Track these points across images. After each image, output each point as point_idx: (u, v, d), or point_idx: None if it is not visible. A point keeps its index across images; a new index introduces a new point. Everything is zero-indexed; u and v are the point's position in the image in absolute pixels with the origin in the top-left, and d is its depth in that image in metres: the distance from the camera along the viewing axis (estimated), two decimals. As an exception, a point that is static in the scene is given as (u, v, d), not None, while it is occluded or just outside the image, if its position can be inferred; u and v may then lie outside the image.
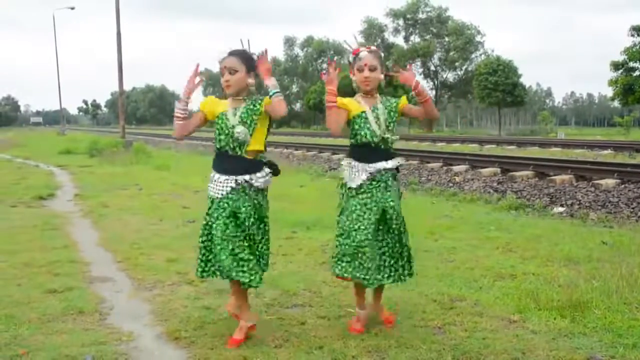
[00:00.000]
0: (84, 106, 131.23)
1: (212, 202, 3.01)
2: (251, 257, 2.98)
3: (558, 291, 3.72)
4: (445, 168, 11.92)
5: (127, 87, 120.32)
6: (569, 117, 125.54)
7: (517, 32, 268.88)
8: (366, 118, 3.07)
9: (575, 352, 2.84)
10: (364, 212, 3.04)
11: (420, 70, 56.06)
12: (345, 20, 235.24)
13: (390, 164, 3.09)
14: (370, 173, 3.06)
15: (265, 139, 3.09)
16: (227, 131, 2.97)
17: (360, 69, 3.07)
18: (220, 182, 2.98)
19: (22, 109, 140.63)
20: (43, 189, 9.79)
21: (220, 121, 3.00)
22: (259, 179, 3.01)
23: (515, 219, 7.04)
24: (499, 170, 10.93)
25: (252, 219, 3.01)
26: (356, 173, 3.08)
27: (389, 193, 3.06)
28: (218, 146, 3.03)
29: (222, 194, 2.97)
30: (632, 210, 7.38)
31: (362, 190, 3.07)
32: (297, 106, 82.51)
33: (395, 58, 53.32)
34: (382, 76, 3.10)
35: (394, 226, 3.08)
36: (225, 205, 2.96)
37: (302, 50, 77.05)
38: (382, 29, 56.43)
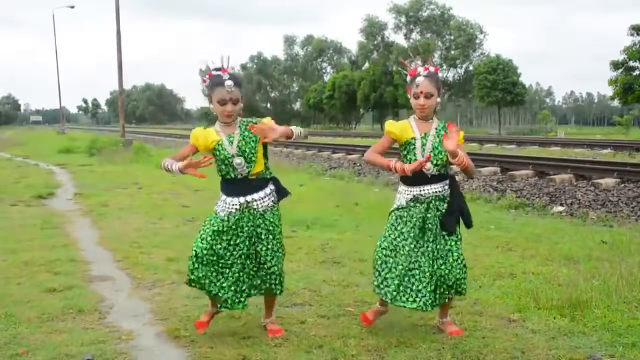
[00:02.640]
0: (84, 105, 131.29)
1: (215, 216, 3.04)
2: (229, 277, 3.01)
3: (558, 290, 3.71)
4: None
5: (127, 86, 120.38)
6: (569, 116, 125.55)
7: (517, 32, 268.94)
8: (414, 145, 3.00)
9: (574, 351, 2.84)
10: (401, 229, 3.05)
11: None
12: (343, 18, 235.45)
13: (432, 188, 3.01)
14: (413, 196, 3.02)
15: (266, 156, 3.09)
16: (226, 161, 2.97)
17: (416, 96, 2.95)
18: (226, 203, 3.02)
19: (22, 108, 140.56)
20: (43, 187, 9.79)
21: (218, 152, 2.97)
22: (259, 201, 3.00)
23: (515, 218, 7.04)
24: (498, 169, 10.94)
25: (253, 239, 3.02)
26: (402, 195, 3.08)
27: (430, 215, 3.01)
28: (220, 174, 3.05)
29: (226, 213, 3.00)
30: (631, 209, 7.39)
31: (402, 205, 3.05)
32: (297, 105, 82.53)
33: (394, 56, 53.24)
34: (439, 100, 2.99)
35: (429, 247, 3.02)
36: (225, 219, 2.99)
37: (302, 49, 77.02)
38: (383, 27, 56.34)
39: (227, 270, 3.02)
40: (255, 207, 3.00)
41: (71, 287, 4.03)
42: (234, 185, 3.00)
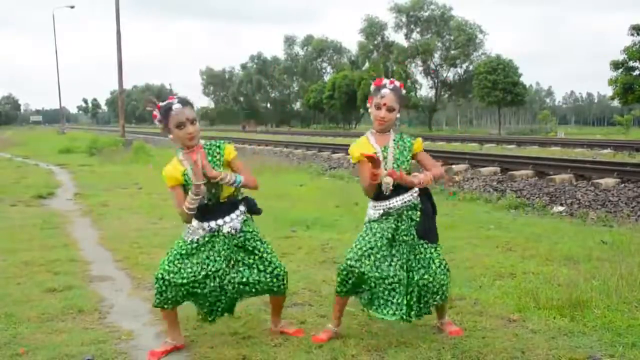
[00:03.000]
0: (84, 105, 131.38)
1: (183, 242, 2.95)
2: (205, 303, 2.94)
3: (558, 290, 3.71)
4: (445, 167, 11.92)
5: (127, 85, 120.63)
6: (569, 116, 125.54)
7: (517, 32, 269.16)
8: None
9: (574, 351, 2.84)
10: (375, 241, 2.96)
11: (421, 68, 56.04)
12: (343, 18, 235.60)
13: (401, 199, 2.94)
14: (383, 210, 2.96)
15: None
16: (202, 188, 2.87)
17: (378, 107, 2.92)
18: (195, 228, 2.93)
19: (22, 108, 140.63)
20: (43, 187, 9.81)
21: (186, 183, 2.89)
22: (230, 223, 2.91)
23: (515, 218, 7.04)
24: (498, 169, 10.94)
25: (232, 262, 2.93)
26: (373, 211, 3.01)
27: (403, 227, 2.95)
28: None
29: (195, 239, 2.92)
30: (631, 209, 7.38)
31: (374, 218, 2.99)
32: (297, 105, 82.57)
33: (395, 56, 53.24)
34: (398, 115, 2.98)
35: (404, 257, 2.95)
36: (195, 245, 2.92)
37: (302, 49, 77.06)
38: (383, 27, 56.32)
39: (202, 298, 2.91)
40: (227, 230, 2.90)
41: (71, 287, 4.03)
42: (205, 210, 2.92)
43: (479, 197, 8.83)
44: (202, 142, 2.96)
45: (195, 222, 2.95)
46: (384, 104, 2.91)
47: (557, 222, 6.79)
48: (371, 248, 2.93)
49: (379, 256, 2.92)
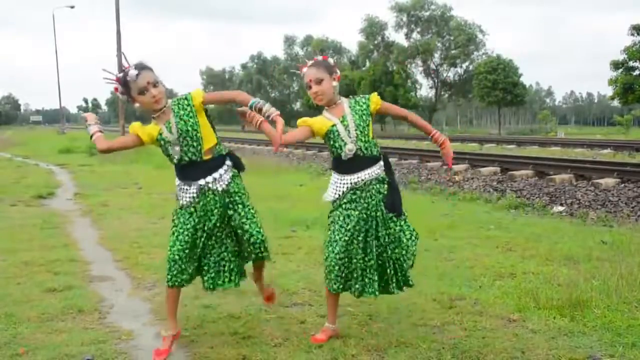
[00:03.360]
0: (84, 105, 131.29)
1: (182, 211, 2.93)
2: (210, 263, 2.96)
3: (558, 290, 3.71)
4: (445, 167, 11.93)
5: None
6: (569, 116, 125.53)
7: (517, 32, 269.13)
8: (337, 132, 2.92)
9: (574, 351, 2.84)
10: (346, 223, 2.95)
11: (421, 68, 56.01)
12: (343, 18, 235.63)
13: (370, 171, 2.94)
14: (351, 184, 2.95)
15: (213, 127, 2.96)
16: (175, 148, 2.88)
17: (309, 87, 2.94)
18: (186, 192, 2.91)
19: (22, 108, 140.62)
20: (43, 187, 9.81)
21: (163, 142, 2.87)
22: (218, 179, 2.90)
23: (515, 218, 7.04)
24: (498, 169, 10.95)
25: (226, 218, 2.94)
26: (337, 186, 2.99)
27: (373, 202, 2.94)
28: (174, 162, 2.92)
29: (188, 201, 2.90)
30: (631, 209, 7.38)
31: (344, 200, 2.97)
32: (297, 105, 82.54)
33: (395, 56, 53.19)
34: (335, 82, 2.95)
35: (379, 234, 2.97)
36: (192, 211, 2.90)
37: (302, 49, 77.01)
38: (383, 27, 56.25)
39: (205, 260, 2.96)
40: (216, 187, 2.89)
41: (71, 287, 4.03)
42: (190, 168, 2.88)
43: (479, 197, 8.84)
44: (169, 101, 2.92)
45: (179, 181, 2.94)
46: (310, 80, 2.93)
47: (557, 222, 6.79)
48: (352, 234, 2.93)
49: (360, 238, 2.94)
